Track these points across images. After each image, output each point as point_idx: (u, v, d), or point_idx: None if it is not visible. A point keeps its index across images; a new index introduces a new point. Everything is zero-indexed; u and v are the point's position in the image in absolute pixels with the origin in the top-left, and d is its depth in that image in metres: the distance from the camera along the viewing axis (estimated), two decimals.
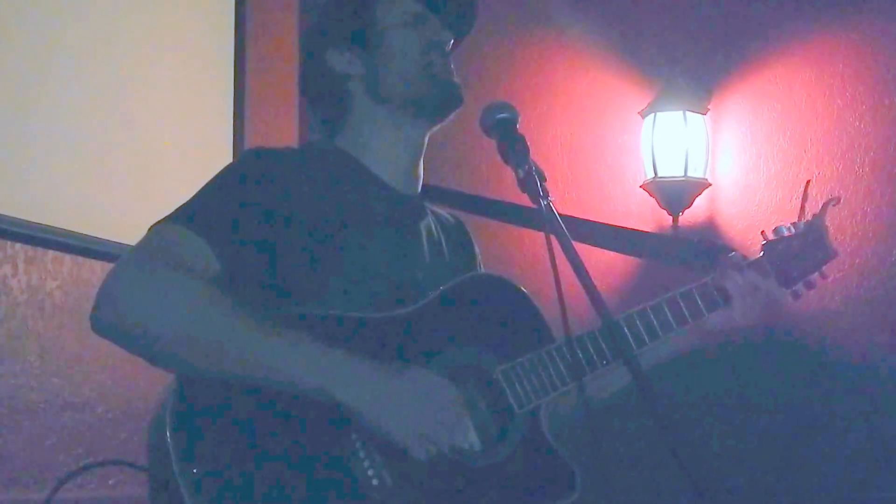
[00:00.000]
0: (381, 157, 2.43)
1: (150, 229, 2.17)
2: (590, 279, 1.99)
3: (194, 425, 2.01)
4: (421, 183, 2.50)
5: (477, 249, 2.66)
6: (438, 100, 2.41)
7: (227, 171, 2.31)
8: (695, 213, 4.29)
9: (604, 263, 4.06)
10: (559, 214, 2.08)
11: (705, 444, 4.06)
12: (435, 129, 2.46)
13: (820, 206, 2.64)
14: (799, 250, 2.59)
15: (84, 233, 3.65)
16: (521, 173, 2.10)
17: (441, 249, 2.49)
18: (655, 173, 4.26)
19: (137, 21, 3.97)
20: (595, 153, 4.49)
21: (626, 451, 4.08)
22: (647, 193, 4.32)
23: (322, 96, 2.50)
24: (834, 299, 3.95)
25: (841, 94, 4.13)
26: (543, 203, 2.06)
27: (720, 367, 3.98)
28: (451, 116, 2.44)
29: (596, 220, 3.97)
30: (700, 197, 4.28)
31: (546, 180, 2.10)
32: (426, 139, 2.47)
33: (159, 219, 2.18)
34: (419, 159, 2.48)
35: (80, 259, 3.65)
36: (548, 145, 4.49)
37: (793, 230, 2.61)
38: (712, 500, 1.83)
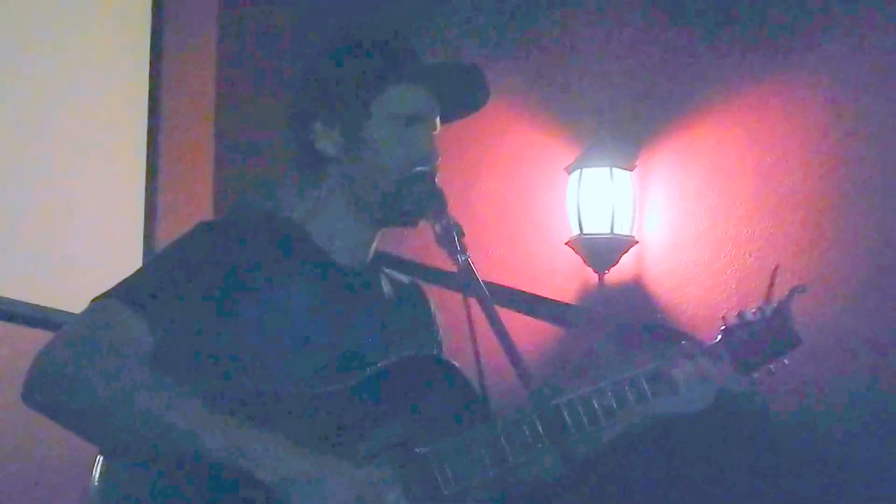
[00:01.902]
0: (331, 234, 2.40)
1: (91, 303, 2.18)
2: (513, 345, 1.94)
3: (119, 496, 2.06)
4: (373, 254, 2.46)
5: (434, 312, 2.61)
6: (401, 217, 2.37)
7: (175, 246, 2.30)
8: (621, 270, 4.23)
9: (528, 328, 3.98)
10: (482, 279, 2.04)
11: None
12: None
13: (787, 293, 2.57)
14: (761, 336, 2.52)
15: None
16: (439, 228, 2.08)
17: (393, 320, 2.44)
18: (581, 230, 4.20)
19: (46, 75, 3.88)
20: (521, 210, 4.43)
21: None
22: (572, 251, 4.25)
23: (299, 163, 2.46)
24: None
25: (771, 151, 4.11)
26: (461, 259, 2.02)
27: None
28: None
29: (521, 279, 3.92)
30: (627, 254, 4.22)
31: (464, 235, 2.06)
32: (381, 232, 2.44)
33: (101, 293, 2.19)
34: (371, 245, 2.45)
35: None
36: (474, 202, 4.42)
37: (757, 315, 2.54)
38: None
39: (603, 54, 4.38)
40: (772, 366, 2.54)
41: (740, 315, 2.53)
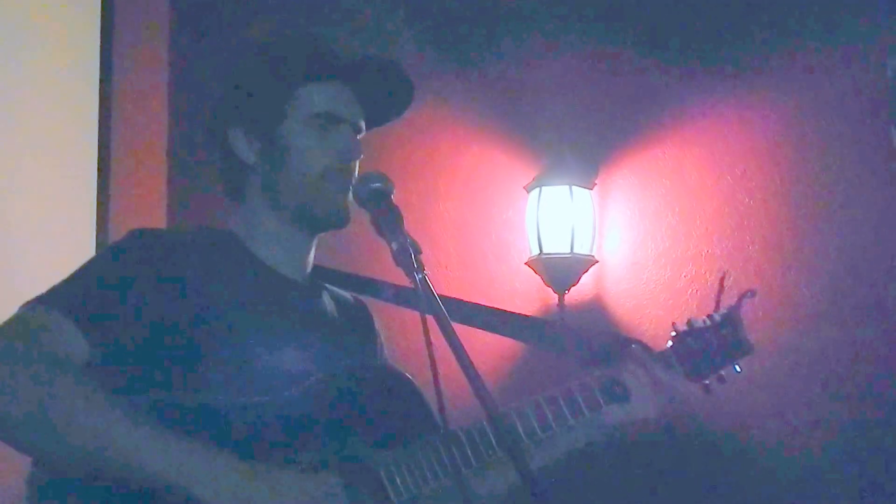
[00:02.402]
0: (270, 246, 2.36)
1: (21, 307, 2.11)
2: (470, 363, 1.90)
3: None
4: (311, 265, 2.43)
5: (378, 329, 2.59)
6: (323, 222, 2.35)
7: (107, 252, 2.27)
8: (581, 290, 4.20)
9: (489, 344, 3.94)
10: (439, 295, 2.00)
11: None
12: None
13: (736, 299, 2.55)
14: (711, 343, 2.50)
15: None
16: (395, 246, 2.03)
17: (335, 333, 2.40)
18: (541, 250, 4.17)
19: None
20: (480, 229, 4.39)
21: None
22: (532, 271, 4.21)
23: (222, 173, 2.42)
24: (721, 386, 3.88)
25: (731, 171, 4.11)
26: (418, 277, 1.98)
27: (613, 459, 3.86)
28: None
29: (480, 299, 3.88)
30: (587, 274, 4.20)
31: (421, 253, 2.02)
32: (315, 238, 2.41)
33: (29, 300, 2.12)
34: (309, 251, 2.42)
35: None
36: (432, 221, 4.38)
37: (707, 322, 2.51)
38: None
39: (561, 72, 4.35)
40: (723, 372, 2.52)
41: (689, 322, 2.52)
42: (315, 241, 2.40)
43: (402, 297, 2.47)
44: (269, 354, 2.23)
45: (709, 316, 2.53)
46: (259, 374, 2.19)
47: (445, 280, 4.22)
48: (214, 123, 2.41)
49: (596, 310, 4.19)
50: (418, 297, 1.98)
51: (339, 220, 2.34)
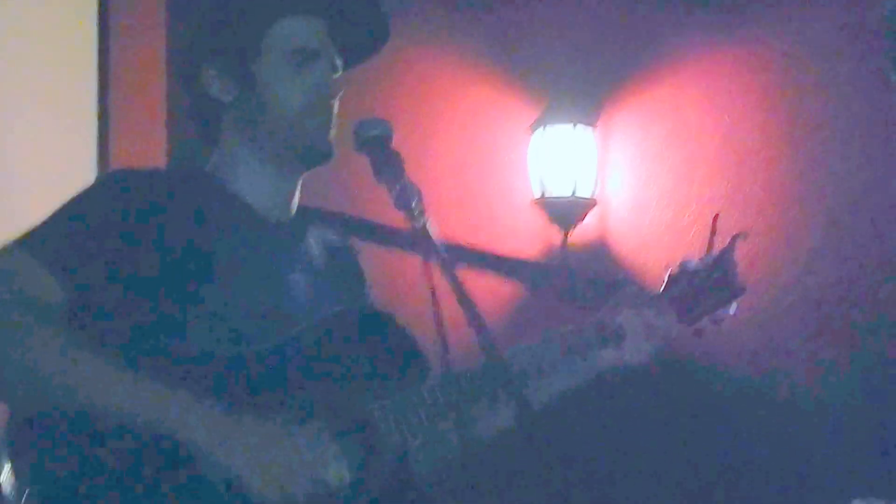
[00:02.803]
0: (250, 185, 2.31)
1: None
2: (474, 307, 1.91)
3: (29, 464, 1.95)
4: (296, 207, 2.38)
5: (365, 273, 2.53)
6: (304, 157, 2.30)
7: (83, 195, 2.17)
8: (584, 231, 4.22)
9: (489, 290, 3.97)
10: (440, 239, 1.99)
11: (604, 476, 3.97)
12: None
13: (728, 241, 2.55)
14: (703, 285, 2.50)
15: None
16: (396, 192, 2.02)
17: (319, 276, 2.37)
18: (544, 190, 4.18)
19: None
20: (482, 171, 4.39)
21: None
22: (535, 211, 4.23)
23: (194, 112, 2.37)
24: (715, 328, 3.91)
25: (730, 112, 4.11)
26: (419, 223, 1.98)
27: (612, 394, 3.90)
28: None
29: (484, 240, 3.91)
30: (590, 214, 4.21)
31: (423, 199, 2.01)
32: (299, 178, 2.36)
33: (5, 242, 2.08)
34: (292, 192, 2.36)
35: None
36: (433, 162, 4.37)
37: (699, 264, 2.52)
38: None
39: (563, 10, 4.34)
40: (716, 315, 2.52)
41: (682, 265, 2.51)
42: (299, 181, 2.35)
43: (400, 239, 2.46)
44: (251, 299, 2.19)
45: (701, 258, 2.52)
46: (240, 320, 2.15)
47: (448, 221, 4.20)
48: (187, 62, 2.35)
49: (599, 250, 4.19)
50: (418, 241, 1.97)
51: (320, 157, 2.29)
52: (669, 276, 2.52)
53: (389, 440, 2.16)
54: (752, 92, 4.10)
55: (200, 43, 2.35)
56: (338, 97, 2.31)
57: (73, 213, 2.13)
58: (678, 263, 2.52)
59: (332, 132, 2.28)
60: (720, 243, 2.55)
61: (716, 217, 2.56)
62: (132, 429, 1.94)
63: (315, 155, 2.30)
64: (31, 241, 2.07)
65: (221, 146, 2.33)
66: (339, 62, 2.34)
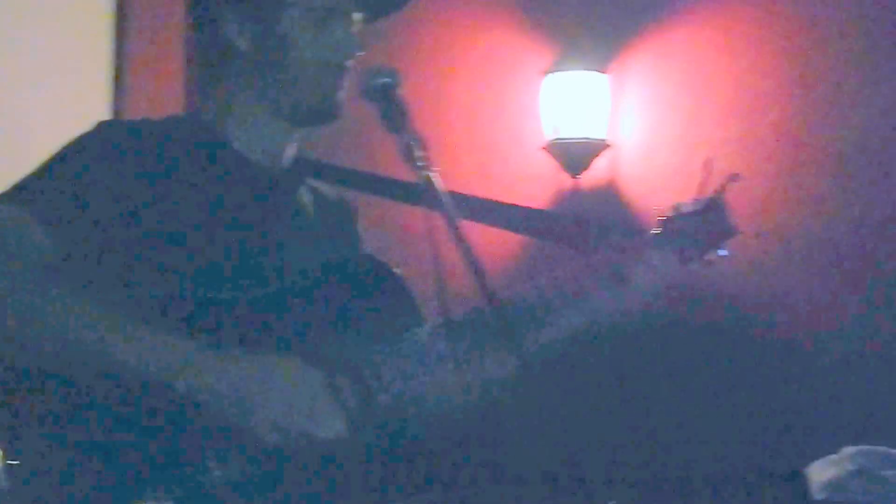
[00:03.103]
0: (246, 134, 2.27)
1: None
2: (474, 256, 1.89)
3: (16, 417, 1.95)
4: (291, 158, 2.35)
5: (358, 226, 2.50)
6: (312, 116, 2.27)
7: (72, 145, 2.15)
8: (596, 174, 4.22)
9: (496, 240, 3.98)
10: (445, 190, 1.96)
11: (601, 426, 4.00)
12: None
13: (720, 182, 2.55)
14: (697, 227, 2.49)
15: None
16: (403, 142, 1.98)
17: (312, 227, 2.35)
18: (556, 134, 4.17)
19: None
20: (494, 115, 4.38)
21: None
22: (546, 155, 4.23)
23: (203, 53, 2.33)
24: (732, 266, 3.91)
25: (744, 55, 4.09)
26: (424, 175, 1.95)
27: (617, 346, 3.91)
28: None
29: (495, 184, 3.91)
30: (601, 158, 4.21)
31: (428, 149, 1.98)
32: (297, 131, 2.33)
33: None
34: (291, 144, 2.33)
35: None
36: (445, 106, 4.37)
37: (691, 206, 2.52)
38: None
39: None
40: (709, 256, 2.51)
41: (675, 207, 2.51)
42: (296, 134, 2.32)
43: (401, 191, 2.45)
44: (242, 249, 2.18)
45: (694, 200, 2.51)
46: (231, 270, 2.14)
47: (459, 165, 4.22)
48: (205, 1, 2.29)
49: (610, 194, 4.19)
50: (422, 192, 1.94)
51: (327, 117, 2.27)
52: (663, 218, 2.51)
53: (383, 389, 2.13)
54: (766, 36, 4.07)
55: None
56: (357, 56, 2.28)
57: (62, 164, 2.11)
58: (671, 206, 2.52)
59: (343, 94, 2.25)
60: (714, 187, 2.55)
61: (707, 160, 2.56)
62: (124, 374, 1.94)
63: (322, 115, 2.26)
64: (22, 193, 2.05)
65: (223, 93, 2.28)
66: (359, 17, 2.30)
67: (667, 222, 2.49)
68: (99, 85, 4.07)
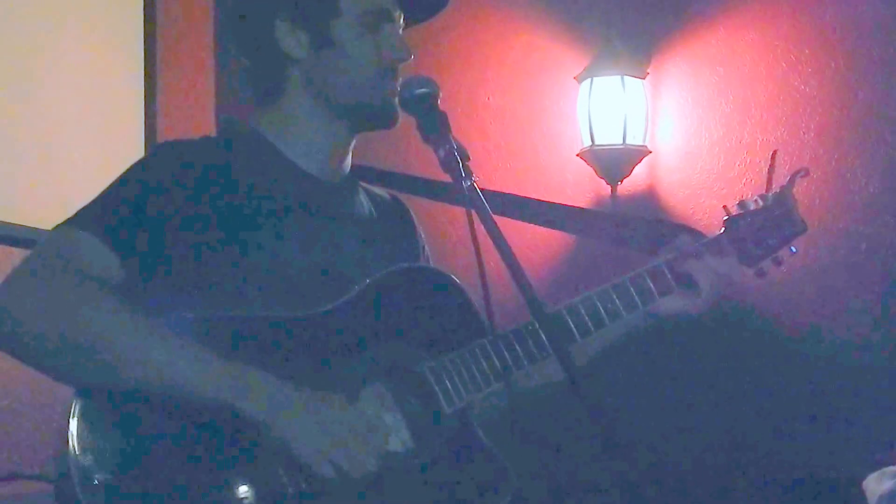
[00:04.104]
0: (303, 145, 2.28)
1: (51, 231, 2.08)
2: (517, 264, 1.87)
3: (95, 440, 1.94)
4: (348, 167, 2.36)
5: (419, 229, 2.52)
6: (374, 118, 2.28)
7: (135, 168, 2.19)
8: (634, 181, 4.16)
9: (542, 242, 3.92)
10: (487, 191, 1.97)
11: (647, 429, 3.91)
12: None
13: (788, 178, 2.48)
14: (764, 225, 2.45)
15: None
16: (443, 152, 1.98)
17: (373, 235, 2.35)
18: (593, 141, 4.12)
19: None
20: (529, 121, 4.34)
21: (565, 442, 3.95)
22: (584, 162, 4.17)
23: (257, 68, 2.32)
24: (777, 270, 3.84)
25: (785, 57, 4.01)
26: (466, 184, 1.94)
27: (663, 344, 3.84)
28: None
29: (531, 191, 3.86)
30: (639, 165, 4.15)
31: (469, 159, 1.97)
32: (355, 139, 2.34)
33: (61, 221, 2.09)
34: (346, 153, 2.35)
35: None
36: (479, 113, 4.35)
37: (760, 203, 2.45)
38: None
39: None
40: (779, 254, 2.47)
41: (741, 204, 2.46)
42: (353, 142, 2.33)
43: (447, 193, 2.43)
44: (308, 262, 2.19)
45: (761, 196, 2.47)
46: (296, 282, 2.15)
47: (495, 172, 4.20)
48: (258, 15, 2.29)
49: (649, 201, 4.14)
50: (465, 202, 1.94)
51: (389, 120, 2.27)
52: (728, 216, 2.45)
53: (447, 401, 2.16)
54: (808, 36, 3.99)
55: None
56: (409, 60, 2.29)
57: (126, 186, 2.14)
58: (737, 203, 2.46)
59: (398, 98, 2.22)
60: (779, 181, 2.48)
61: (774, 153, 2.50)
62: (198, 404, 1.95)
63: (385, 117, 2.27)
64: (87, 216, 2.08)
65: (281, 105, 2.29)
66: (403, 22, 2.32)
67: (733, 220, 2.44)
68: (131, 118, 4.05)
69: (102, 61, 3.98)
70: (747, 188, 3.98)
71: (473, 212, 1.94)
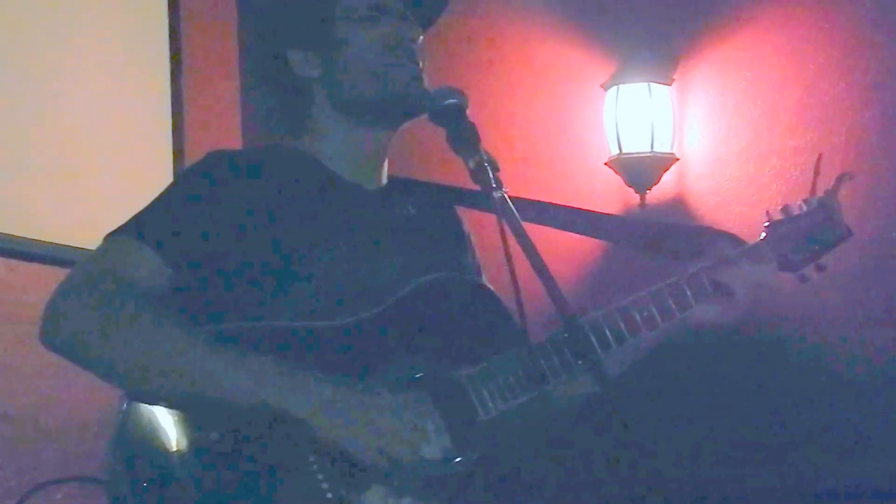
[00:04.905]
0: (343, 158, 2.33)
1: (103, 240, 2.13)
2: (549, 275, 1.88)
3: (142, 442, 2.01)
4: (386, 176, 2.40)
5: (467, 230, 2.54)
6: (396, 108, 2.30)
7: (185, 177, 2.27)
8: (663, 189, 4.14)
9: (576, 248, 3.90)
10: (519, 199, 2.00)
11: (675, 439, 3.89)
12: (402, 128, 2.35)
13: (833, 182, 2.44)
14: (808, 230, 2.40)
15: (13, 234, 3.48)
16: (473, 164, 1.99)
17: (419, 241, 2.36)
18: (620, 149, 4.10)
19: (64, 12, 3.77)
20: (556, 129, 4.33)
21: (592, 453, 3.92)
22: (611, 171, 4.14)
23: (284, 97, 2.39)
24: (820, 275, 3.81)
25: (813, 60, 3.98)
26: (497, 195, 1.95)
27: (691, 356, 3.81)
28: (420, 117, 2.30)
29: (559, 201, 3.83)
30: (668, 173, 4.12)
31: (499, 170, 1.98)
32: (391, 140, 2.37)
33: (113, 228, 2.14)
34: (384, 159, 2.39)
35: (12, 262, 3.49)
36: (505, 122, 4.34)
37: (804, 207, 2.41)
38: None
39: None
40: (822, 260, 2.43)
41: (785, 209, 2.42)
42: (390, 144, 2.37)
43: (478, 200, 2.42)
44: (351, 270, 2.21)
45: (805, 200, 2.42)
46: (341, 289, 2.18)
47: (523, 183, 4.17)
48: (272, 54, 2.38)
49: (678, 209, 4.12)
50: (496, 210, 1.95)
51: (415, 105, 2.26)
52: (771, 221, 2.41)
53: (485, 410, 2.18)
54: (836, 38, 3.96)
55: (280, 29, 2.39)
56: (419, 42, 2.33)
57: (177, 195, 2.20)
58: (780, 208, 2.42)
59: (425, 81, 2.29)
60: (824, 185, 2.45)
61: (820, 157, 2.46)
62: (245, 407, 1.98)
63: (410, 103, 2.27)
64: (139, 225, 2.12)
65: (312, 125, 2.35)
66: (409, 13, 2.35)
67: (776, 225, 2.41)
68: (159, 139, 4.08)
69: (128, 80, 3.99)
70: (778, 194, 3.94)
71: (505, 223, 1.94)
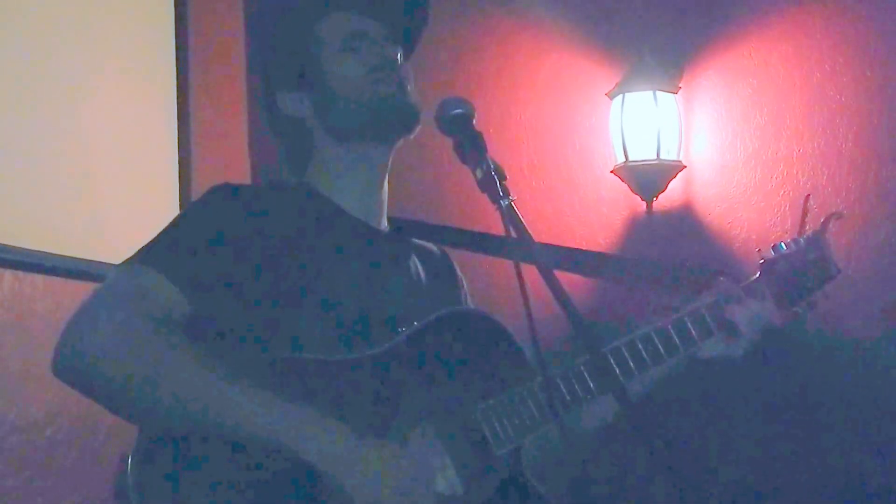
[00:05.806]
0: (347, 190, 2.36)
1: (117, 269, 2.13)
2: (574, 308, 1.90)
3: (158, 475, 2.00)
4: (385, 207, 2.43)
5: (461, 279, 2.58)
6: (388, 122, 2.33)
7: (195, 208, 2.26)
8: (669, 197, 4.13)
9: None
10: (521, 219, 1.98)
11: (701, 453, 3.88)
12: (398, 146, 2.38)
13: (821, 221, 2.51)
14: (799, 268, 2.47)
15: (24, 247, 3.50)
16: (480, 173, 2.01)
17: (420, 282, 2.41)
18: (626, 157, 4.10)
19: (76, 31, 3.81)
20: (562, 138, 4.32)
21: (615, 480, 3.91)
22: (618, 179, 4.14)
23: (284, 138, 2.43)
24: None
25: (819, 67, 3.97)
26: (504, 204, 1.96)
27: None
28: (415, 132, 2.35)
29: (566, 209, 3.85)
30: (674, 180, 4.11)
31: (506, 179, 2.00)
32: (389, 160, 2.39)
33: (126, 258, 2.14)
34: (383, 180, 2.41)
35: (21, 274, 3.51)
36: (511, 131, 4.33)
37: (793, 247, 2.47)
38: None
39: None
40: (813, 298, 2.48)
41: (776, 248, 2.48)
42: (389, 165, 2.39)
43: (493, 245, 2.47)
44: (359, 305, 2.22)
45: (794, 240, 2.48)
46: (348, 325, 2.18)
47: (530, 191, 4.18)
48: (264, 96, 2.43)
49: (685, 216, 4.10)
50: (507, 246, 1.96)
51: (405, 118, 2.31)
52: (764, 260, 2.47)
53: (497, 444, 2.20)
54: (842, 46, 3.95)
55: (266, 76, 2.44)
56: (401, 57, 2.36)
57: (188, 226, 2.20)
58: (771, 247, 2.49)
59: (413, 97, 2.32)
60: (812, 223, 2.51)
61: (807, 198, 2.53)
62: (257, 444, 1.99)
63: (401, 116, 2.31)
64: (153, 255, 2.12)
65: (315, 158, 2.38)
66: (388, 34, 2.38)
67: (769, 264, 2.47)
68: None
69: (136, 96, 4.01)
70: (785, 201, 3.94)
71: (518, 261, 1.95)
